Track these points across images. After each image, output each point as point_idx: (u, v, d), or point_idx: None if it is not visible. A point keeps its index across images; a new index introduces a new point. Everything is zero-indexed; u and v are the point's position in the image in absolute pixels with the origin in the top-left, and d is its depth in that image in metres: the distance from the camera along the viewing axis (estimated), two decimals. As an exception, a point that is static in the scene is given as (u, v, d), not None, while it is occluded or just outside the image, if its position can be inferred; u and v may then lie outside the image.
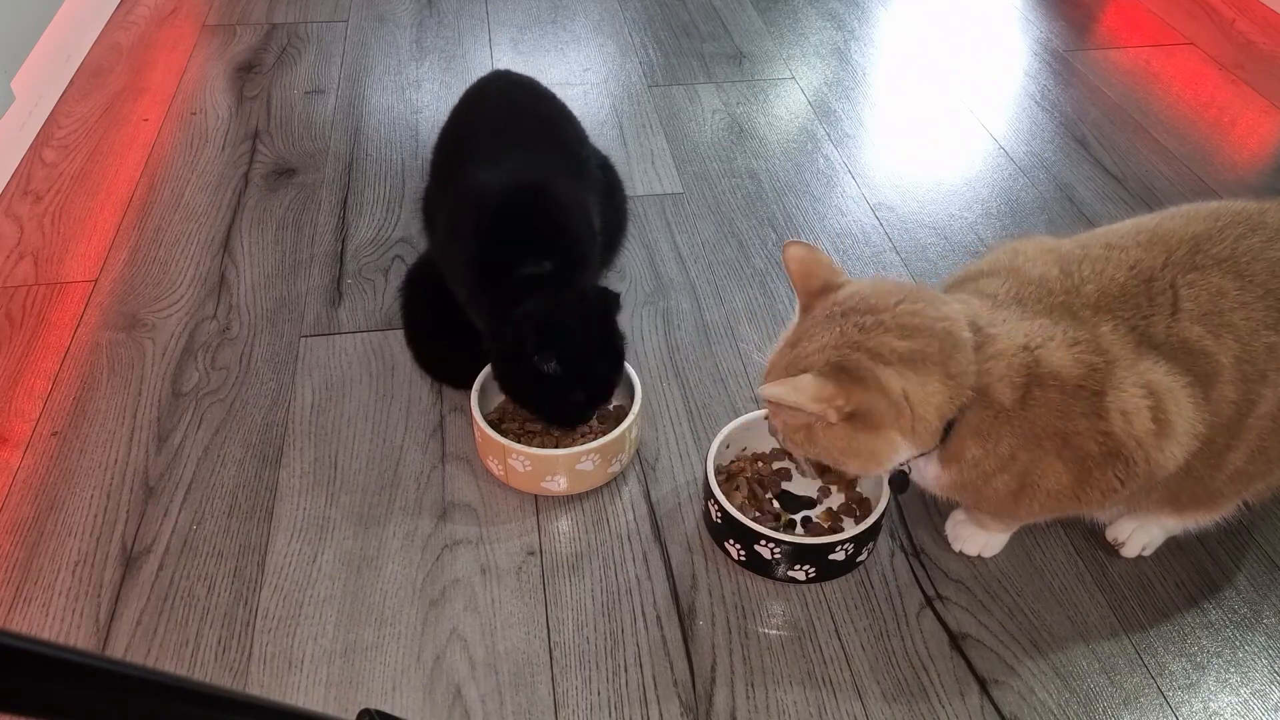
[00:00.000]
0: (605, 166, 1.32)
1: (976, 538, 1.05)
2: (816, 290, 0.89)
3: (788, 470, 1.13)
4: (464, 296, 1.13)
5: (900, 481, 0.96)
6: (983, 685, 0.95)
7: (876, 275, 0.89)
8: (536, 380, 1.05)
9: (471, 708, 0.92)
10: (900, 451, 0.85)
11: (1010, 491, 0.89)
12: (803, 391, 0.81)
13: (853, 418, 0.82)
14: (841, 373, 0.82)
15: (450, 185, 1.20)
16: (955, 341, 0.82)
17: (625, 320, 1.36)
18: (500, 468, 1.11)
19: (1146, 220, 0.94)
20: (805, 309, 0.90)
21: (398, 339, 1.31)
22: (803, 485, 1.12)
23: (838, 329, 0.84)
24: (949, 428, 0.85)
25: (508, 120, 1.23)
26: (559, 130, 1.25)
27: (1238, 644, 0.99)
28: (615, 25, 2.14)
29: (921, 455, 0.88)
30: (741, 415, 1.14)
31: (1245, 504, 1.01)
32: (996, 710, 0.93)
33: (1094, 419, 0.84)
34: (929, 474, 0.92)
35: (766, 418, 1.01)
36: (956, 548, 1.06)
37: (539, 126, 1.24)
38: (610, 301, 1.09)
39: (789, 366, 0.86)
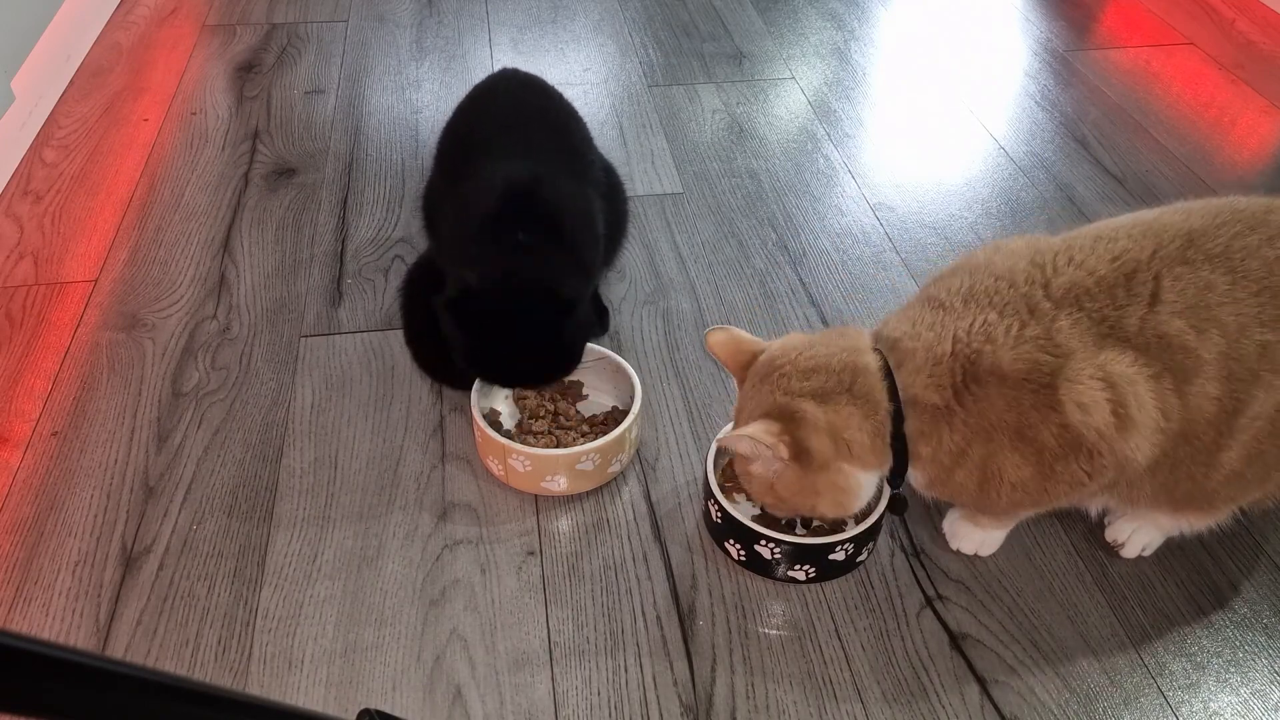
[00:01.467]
0: (608, 170, 1.32)
1: (973, 536, 1.05)
2: (745, 364, 0.98)
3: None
4: None
5: (898, 504, 1.02)
6: (983, 685, 0.95)
7: (791, 333, 0.99)
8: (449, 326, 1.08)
9: (471, 708, 0.92)
10: (861, 478, 0.92)
11: (976, 484, 0.92)
12: (751, 432, 0.89)
13: (799, 457, 0.90)
14: (778, 414, 0.90)
15: (455, 182, 1.20)
16: (855, 368, 0.90)
17: (625, 320, 1.36)
18: (500, 468, 1.11)
19: (1145, 214, 0.94)
20: (740, 383, 0.98)
21: (398, 339, 1.31)
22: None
23: (765, 388, 0.93)
24: (902, 442, 0.90)
25: (515, 119, 1.23)
26: (566, 131, 1.25)
27: (1238, 644, 0.99)
28: (615, 25, 2.14)
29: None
30: (741, 415, 1.14)
31: (1241, 511, 1.01)
32: (996, 710, 0.93)
33: (1047, 411, 0.85)
34: (910, 480, 0.97)
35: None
36: (953, 546, 1.06)
37: (546, 126, 1.24)
38: (557, 303, 1.06)
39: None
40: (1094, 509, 1.04)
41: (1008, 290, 0.89)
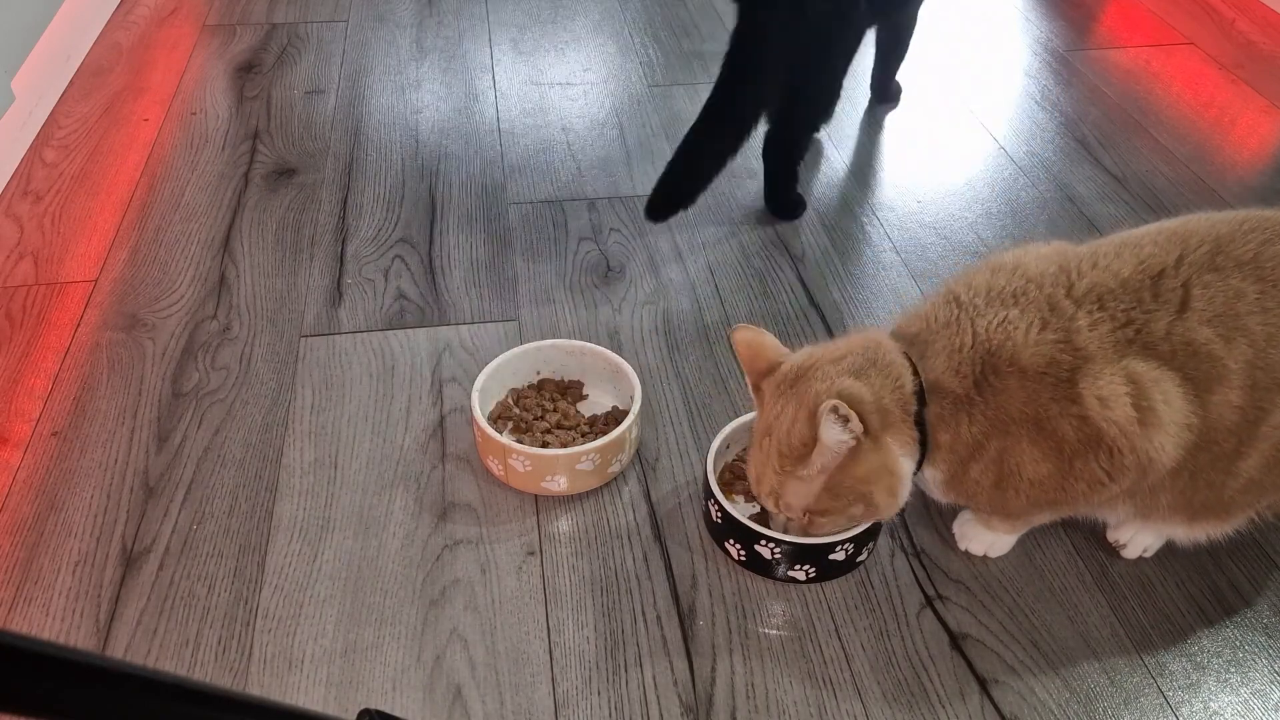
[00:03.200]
0: None
1: (983, 537, 1.05)
2: (764, 370, 0.95)
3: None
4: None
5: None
6: (983, 685, 0.95)
7: (808, 346, 0.98)
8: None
9: (471, 708, 0.92)
10: (900, 457, 0.90)
11: (991, 482, 0.91)
12: (834, 414, 0.84)
13: (865, 433, 0.87)
14: (836, 397, 0.87)
15: None
16: (879, 348, 0.91)
17: (625, 320, 1.36)
18: (500, 468, 1.11)
19: (1169, 222, 0.94)
20: (756, 390, 0.96)
21: (398, 339, 1.31)
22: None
23: (799, 389, 0.91)
24: (923, 428, 0.90)
25: None
26: None
27: (1238, 644, 0.99)
28: (615, 25, 2.14)
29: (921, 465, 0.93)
30: (741, 415, 1.13)
31: (1257, 515, 1.00)
32: (997, 710, 0.93)
33: (1066, 403, 0.85)
34: (928, 478, 0.95)
35: (786, 522, 0.99)
36: (962, 546, 1.06)
37: None
38: None
39: (780, 450, 0.91)
40: (1113, 518, 1.03)
41: (1034, 291, 0.89)
